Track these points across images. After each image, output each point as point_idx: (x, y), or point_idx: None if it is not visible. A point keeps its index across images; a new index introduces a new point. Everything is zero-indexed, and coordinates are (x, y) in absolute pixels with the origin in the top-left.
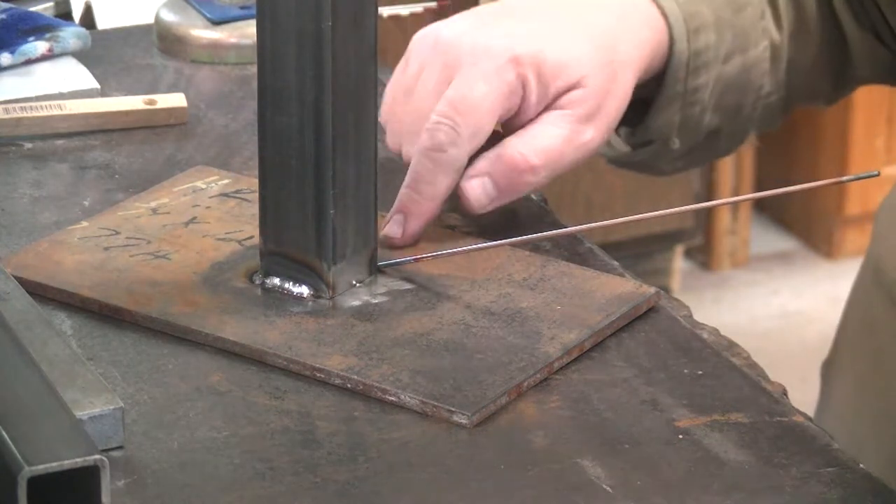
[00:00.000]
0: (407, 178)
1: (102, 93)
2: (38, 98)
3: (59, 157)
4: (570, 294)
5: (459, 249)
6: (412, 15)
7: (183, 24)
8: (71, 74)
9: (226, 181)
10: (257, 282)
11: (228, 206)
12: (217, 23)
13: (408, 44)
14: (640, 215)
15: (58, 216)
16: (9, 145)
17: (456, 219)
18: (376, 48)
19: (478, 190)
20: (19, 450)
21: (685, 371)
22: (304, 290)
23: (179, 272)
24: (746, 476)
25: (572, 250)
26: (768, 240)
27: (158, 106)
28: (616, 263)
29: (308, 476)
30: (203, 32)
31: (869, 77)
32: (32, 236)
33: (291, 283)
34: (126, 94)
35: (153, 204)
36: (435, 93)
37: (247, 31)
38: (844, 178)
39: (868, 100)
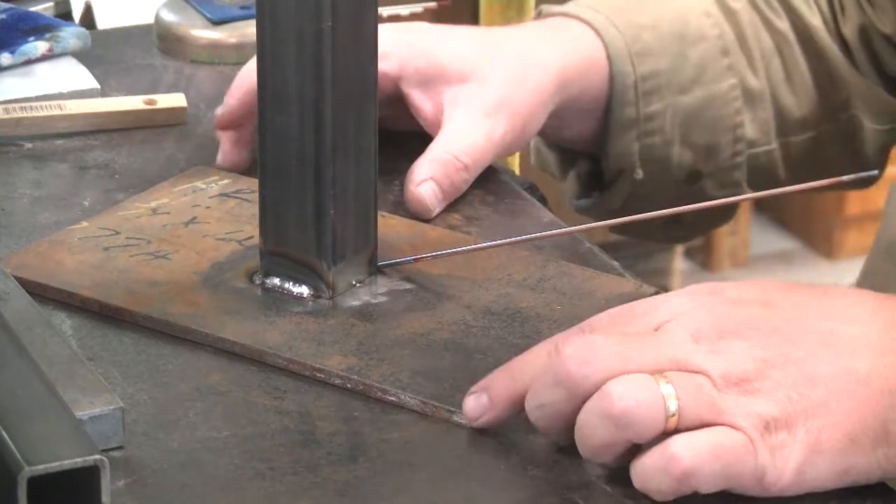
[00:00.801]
0: None
1: (102, 93)
2: (38, 98)
3: (59, 157)
4: (570, 294)
5: (459, 249)
6: (412, 15)
7: (183, 24)
8: (71, 74)
9: (226, 181)
10: (257, 282)
11: (228, 206)
12: (217, 23)
13: None
14: (640, 215)
15: (58, 216)
16: (9, 145)
17: (456, 219)
18: (376, 48)
19: (430, 193)
20: (19, 450)
21: None
22: (304, 290)
23: (179, 272)
24: None
25: (572, 250)
26: (768, 240)
27: (158, 106)
28: (616, 263)
29: (308, 476)
30: (203, 32)
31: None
32: (32, 236)
33: (291, 283)
34: (126, 94)
35: (153, 204)
36: None
37: (247, 31)
38: (844, 178)
39: None
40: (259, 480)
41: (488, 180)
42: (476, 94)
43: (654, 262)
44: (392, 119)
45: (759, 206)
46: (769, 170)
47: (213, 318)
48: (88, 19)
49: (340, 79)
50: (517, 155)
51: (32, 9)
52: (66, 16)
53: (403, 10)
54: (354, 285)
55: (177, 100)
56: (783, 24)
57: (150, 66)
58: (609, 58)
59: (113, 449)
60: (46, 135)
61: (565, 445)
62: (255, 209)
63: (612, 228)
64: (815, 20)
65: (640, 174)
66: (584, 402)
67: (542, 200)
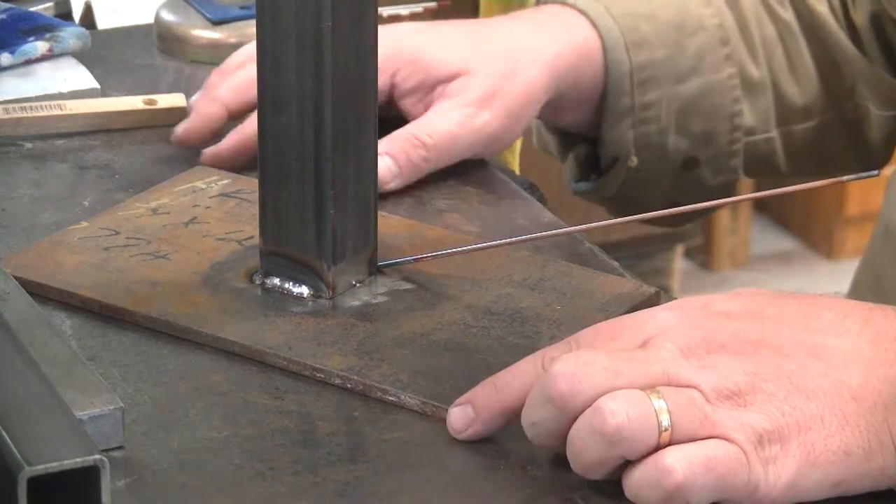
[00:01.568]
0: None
1: (102, 93)
2: (38, 98)
3: (59, 157)
4: (571, 294)
5: (459, 249)
6: (412, 15)
7: (183, 24)
8: (71, 74)
9: (226, 181)
10: (257, 282)
11: (228, 207)
12: (217, 23)
13: None
14: (640, 215)
15: (58, 216)
16: (9, 145)
17: (456, 219)
18: (376, 48)
19: (382, 168)
20: (19, 450)
21: None
22: (304, 291)
23: (179, 272)
24: None
25: (572, 250)
26: (768, 240)
27: (158, 106)
28: (616, 263)
29: (308, 476)
30: (203, 32)
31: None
32: (32, 236)
33: (291, 284)
34: (126, 94)
35: (153, 204)
36: None
37: (247, 31)
38: (844, 178)
39: None
40: (259, 480)
41: (488, 180)
42: (462, 87)
43: (654, 262)
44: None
45: (760, 206)
46: (768, 158)
47: (214, 318)
48: (88, 19)
49: (341, 79)
50: (517, 155)
51: (32, 9)
52: (66, 16)
53: (403, 9)
54: (354, 285)
55: (177, 100)
56: (787, 14)
57: (150, 66)
58: (604, 48)
59: (113, 449)
60: (46, 135)
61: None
62: (255, 209)
63: (614, 214)
64: (821, 7)
65: (634, 161)
66: (575, 418)
67: (542, 200)
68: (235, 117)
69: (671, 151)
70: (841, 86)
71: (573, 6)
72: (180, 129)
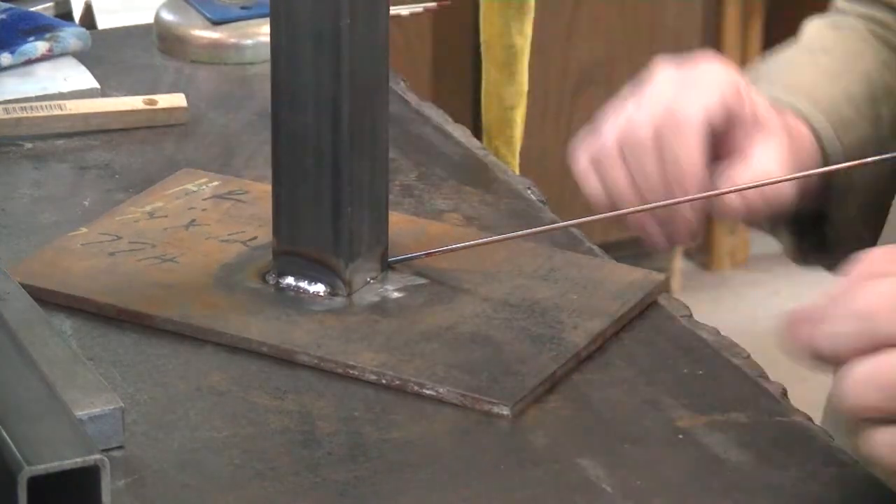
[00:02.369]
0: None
1: (102, 93)
2: (38, 98)
3: (59, 157)
4: (583, 283)
5: (471, 243)
6: (412, 15)
7: (183, 24)
8: (71, 74)
9: (216, 183)
10: (271, 281)
11: (225, 208)
12: (217, 23)
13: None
14: (641, 207)
15: (58, 216)
16: (9, 145)
17: (456, 219)
18: (388, 45)
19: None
20: (19, 450)
21: (685, 371)
22: (321, 289)
23: (190, 275)
24: (746, 476)
25: (573, 250)
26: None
27: (158, 106)
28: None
29: (308, 476)
30: (203, 32)
31: None
32: (32, 236)
33: (306, 282)
34: (126, 94)
35: (148, 208)
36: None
37: (247, 31)
38: (869, 160)
39: None
40: (259, 480)
41: (488, 180)
42: (775, 145)
43: (654, 262)
44: None
45: None
46: None
47: (236, 319)
48: (88, 19)
49: (357, 76)
50: (517, 155)
51: (32, 9)
52: (66, 16)
53: (403, 10)
54: (369, 282)
55: (177, 100)
56: None
57: (150, 66)
58: (816, 136)
59: (113, 449)
60: (46, 135)
61: (564, 445)
62: (253, 209)
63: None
64: None
65: (864, 235)
66: (880, 341)
67: (542, 200)
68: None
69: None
70: None
71: (791, 108)
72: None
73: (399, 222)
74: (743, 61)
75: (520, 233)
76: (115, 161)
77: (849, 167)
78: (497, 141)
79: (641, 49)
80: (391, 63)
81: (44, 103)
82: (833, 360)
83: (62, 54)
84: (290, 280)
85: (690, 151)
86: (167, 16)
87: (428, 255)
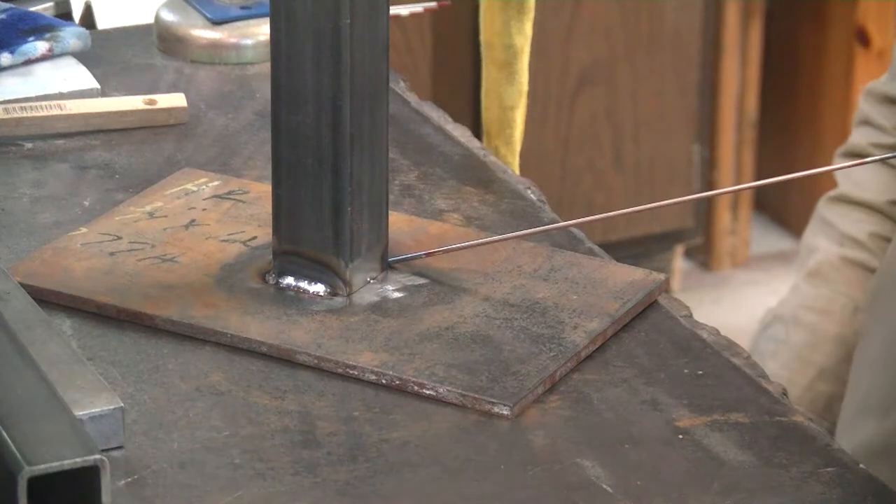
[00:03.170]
0: None
1: (102, 93)
2: (38, 98)
3: (59, 157)
4: (583, 283)
5: (470, 243)
6: (412, 15)
7: (183, 24)
8: (71, 74)
9: (216, 183)
10: (271, 281)
11: (224, 208)
12: (217, 23)
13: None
14: (642, 206)
15: (58, 216)
16: (9, 145)
17: (456, 219)
18: (388, 45)
19: None
20: (19, 450)
21: (685, 371)
22: (321, 288)
23: (191, 275)
24: (746, 476)
25: (573, 250)
26: (768, 240)
27: (158, 106)
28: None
29: (308, 476)
30: (203, 32)
31: None
32: (32, 236)
33: (307, 282)
34: (126, 94)
35: (148, 208)
36: None
37: (247, 31)
38: (868, 161)
39: None
40: (259, 480)
41: (488, 180)
42: None
43: (654, 262)
44: None
45: (760, 206)
46: None
47: (236, 319)
48: (88, 19)
49: (357, 76)
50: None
51: (32, 9)
52: (66, 16)
53: (403, 10)
54: (369, 282)
55: (177, 100)
56: None
57: (150, 66)
58: None
59: (113, 449)
60: (46, 135)
61: (564, 445)
62: (252, 210)
63: None
64: None
65: None
66: None
67: (542, 200)
68: None
69: None
70: None
71: None
72: None
73: (398, 222)
74: (743, 61)
75: (520, 233)
76: (115, 161)
77: (849, 167)
78: (497, 141)
79: (641, 49)
80: (391, 63)
81: (44, 103)
82: None
83: (62, 54)
84: (290, 280)
85: None
86: (167, 16)
87: (428, 255)
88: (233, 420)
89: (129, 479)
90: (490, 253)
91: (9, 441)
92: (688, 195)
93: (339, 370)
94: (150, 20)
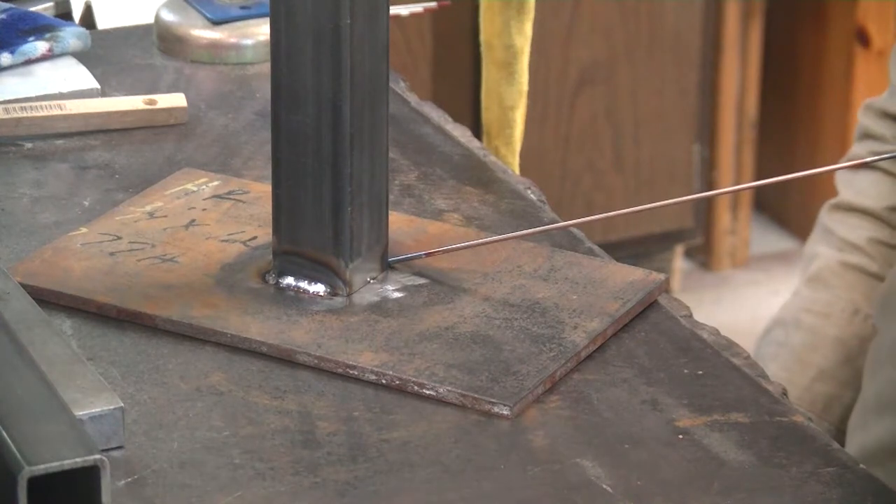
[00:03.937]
0: None
1: (102, 93)
2: (38, 98)
3: (59, 157)
4: (583, 283)
5: (470, 243)
6: (412, 15)
7: (183, 24)
8: (71, 74)
9: (216, 183)
10: (271, 281)
11: (224, 208)
12: (217, 23)
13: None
14: (642, 206)
15: (58, 216)
16: (9, 145)
17: (456, 219)
18: (388, 45)
19: None
20: (19, 450)
21: (685, 371)
22: (321, 289)
23: (191, 275)
24: (746, 476)
25: (573, 250)
26: (768, 240)
27: (158, 106)
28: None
29: (308, 476)
30: (203, 32)
31: None
32: (32, 236)
33: (307, 282)
34: (126, 94)
35: (148, 208)
36: None
37: (247, 31)
38: (868, 160)
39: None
40: (259, 480)
41: (488, 180)
42: None
43: (654, 262)
44: None
45: (760, 206)
46: None
47: (236, 319)
48: (88, 19)
49: (357, 76)
50: (517, 155)
51: (32, 9)
52: (66, 16)
53: (403, 10)
54: (369, 282)
55: (177, 100)
56: None
57: (150, 66)
58: None
59: (113, 449)
60: (46, 135)
61: (565, 445)
62: (253, 210)
63: None
64: None
65: None
66: None
67: (542, 200)
68: None
69: None
70: None
71: None
72: None
73: (397, 221)
74: (743, 61)
75: (520, 233)
76: (115, 161)
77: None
78: (497, 141)
79: (641, 49)
80: (391, 63)
81: (44, 103)
82: None
83: (62, 54)
84: (290, 280)
85: None
86: (167, 16)
87: (428, 255)
88: (233, 420)
89: (129, 479)
90: (490, 253)
91: (9, 441)
92: (688, 195)
93: (339, 370)
94: (150, 20)
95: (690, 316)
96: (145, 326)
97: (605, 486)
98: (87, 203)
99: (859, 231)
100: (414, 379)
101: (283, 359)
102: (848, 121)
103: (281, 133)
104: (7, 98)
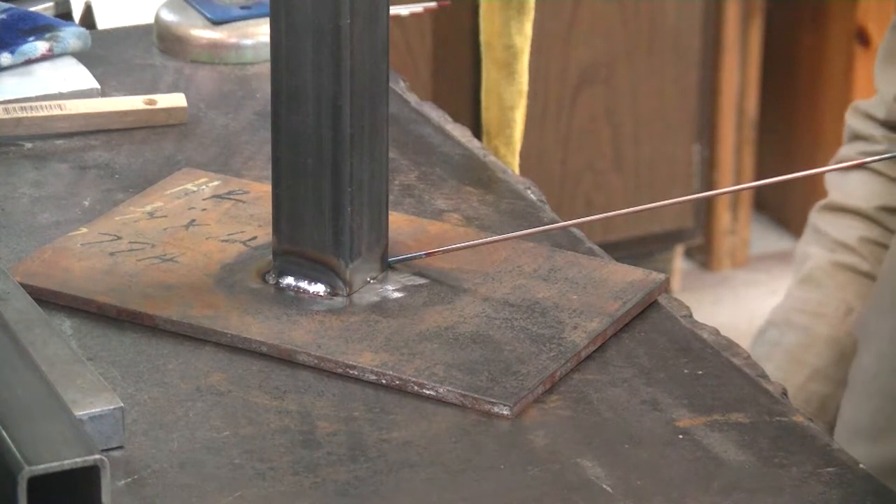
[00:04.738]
0: None
1: (102, 93)
2: (38, 98)
3: (59, 157)
4: (583, 283)
5: (470, 243)
6: (412, 15)
7: (183, 24)
8: (71, 74)
9: (216, 183)
10: (271, 281)
11: (224, 208)
12: (217, 23)
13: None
14: (642, 206)
15: (58, 216)
16: (9, 145)
17: (456, 219)
18: (388, 45)
19: None
20: (19, 450)
21: (685, 371)
22: (321, 289)
23: (191, 275)
24: (746, 476)
25: (573, 250)
26: (768, 240)
27: (158, 106)
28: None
29: (308, 476)
30: (203, 32)
31: None
32: (32, 236)
33: (307, 282)
34: (126, 94)
35: (148, 208)
36: None
37: (247, 31)
38: (868, 160)
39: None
40: (259, 480)
41: (488, 180)
42: None
43: (654, 262)
44: None
45: (760, 206)
46: None
47: (236, 319)
48: (88, 19)
49: (357, 76)
50: (517, 155)
51: (32, 9)
52: (66, 16)
53: (403, 10)
54: (369, 282)
55: (177, 100)
56: None
57: (150, 66)
58: None
59: (113, 449)
60: (46, 135)
61: (565, 445)
62: (252, 210)
63: None
64: None
65: None
66: None
67: (542, 200)
68: None
69: None
70: None
71: None
72: None
73: (397, 221)
74: (743, 61)
75: (520, 233)
76: (115, 161)
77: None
78: (497, 141)
79: (641, 49)
80: (391, 63)
81: (44, 103)
82: None
83: (62, 54)
84: (290, 280)
85: None
86: (167, 16)
87: (428, 255)
88: (233, 420)
89: (129, 479)
90: (490, 253)
91: (9, 441)
92: (688, 195)
93: (339, 370)
94: (150, 20)
95: (690, 316)
96: (145, 326)
97: (605, 486)
98: (87, 203)
99: (850, 231)
100: (414, 379)
101: (283, 359)
102: None
103: (281, 133)
104: (7, 98)
